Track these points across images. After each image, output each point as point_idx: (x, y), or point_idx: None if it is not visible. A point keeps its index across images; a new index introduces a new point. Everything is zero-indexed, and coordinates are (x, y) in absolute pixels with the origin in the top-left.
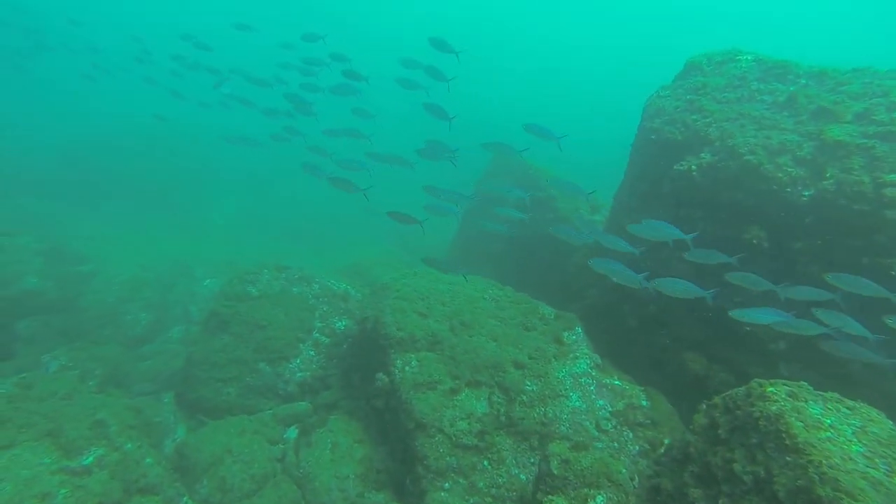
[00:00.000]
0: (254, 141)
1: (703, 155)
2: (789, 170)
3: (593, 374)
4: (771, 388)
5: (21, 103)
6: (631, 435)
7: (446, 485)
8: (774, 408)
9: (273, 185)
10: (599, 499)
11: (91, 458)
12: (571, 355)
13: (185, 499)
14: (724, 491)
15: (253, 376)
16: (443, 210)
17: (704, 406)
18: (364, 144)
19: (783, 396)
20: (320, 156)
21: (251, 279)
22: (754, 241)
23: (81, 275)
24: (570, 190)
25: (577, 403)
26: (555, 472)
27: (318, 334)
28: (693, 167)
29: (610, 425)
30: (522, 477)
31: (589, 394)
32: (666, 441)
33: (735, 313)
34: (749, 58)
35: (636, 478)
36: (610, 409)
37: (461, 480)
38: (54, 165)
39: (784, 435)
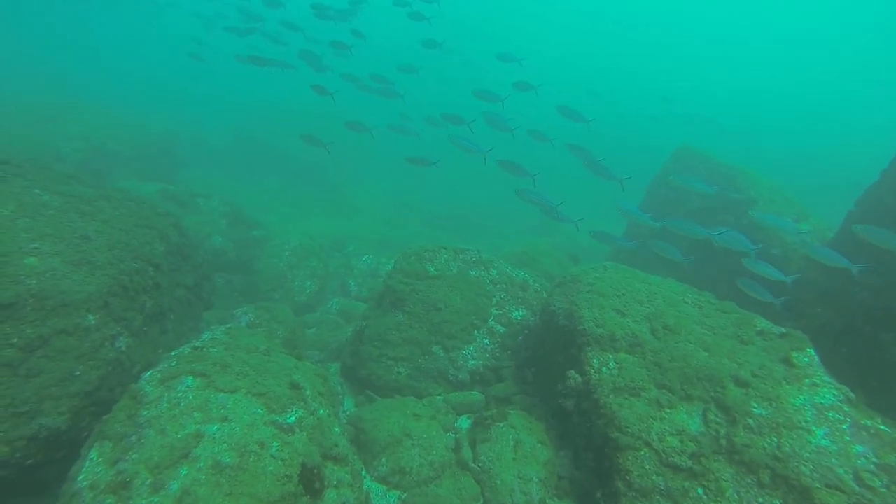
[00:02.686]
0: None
1: None
2: None
3: (845, 409)
4: None
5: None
6: None
7: None
8: None
9: (423, 173)
10: None
11: (293, 418)
12: (808, 381)
13: (363, 473)
14: None
15: (425, 358)
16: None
17: None
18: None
19: None
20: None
21: (429, 257)
22: None
23: (254, 239)
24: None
25: (824, 442)
26: None
27: (493, 322)
28: None
29: (878, 482)
30: None
31: (840, 433)
32: None
33: None
34: None
35: None
36: (875, 459)
37: None
38: (231, 143)
39: None
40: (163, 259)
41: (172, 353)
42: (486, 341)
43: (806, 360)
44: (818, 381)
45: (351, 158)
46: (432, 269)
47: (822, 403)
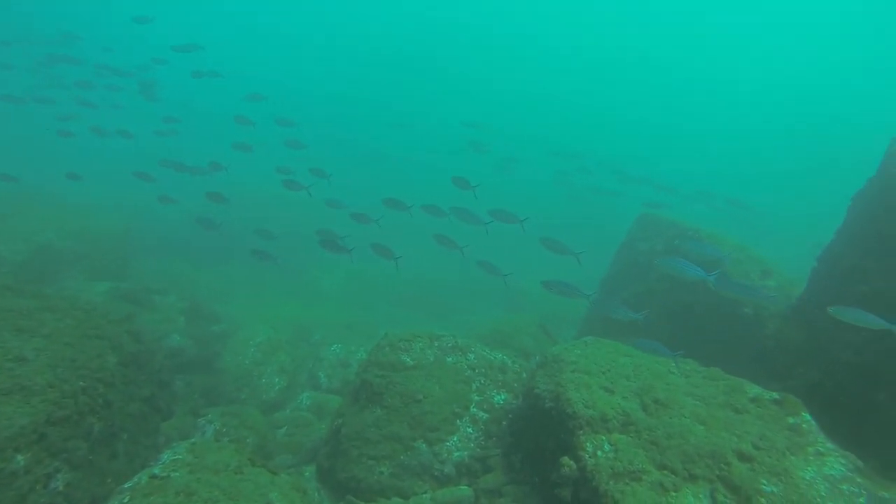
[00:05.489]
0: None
1: None
2: None
3: (858, 480)
4: None
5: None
6: None
7: None
8: None
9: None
10: None
11: None
12: (812, 450)
13: None
14: None
15: (408, 454)
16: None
17: None
18: None
19: None
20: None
21: (404, 347)
22: None
23: (215, 334)
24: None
25: None
26: None
27: (475, 409)
28: None
29: None
30: None
31: None
32: None
33: None
34: None
35: None
36: None
37: None
38: (182, 228)
39: None
40: (115, 372)
41: (125, 486)
42: (470, 430)
43: (805, 426)
44: (822, 450)
45: (311, 242)
46: (408, 360)
47: (832, 475)
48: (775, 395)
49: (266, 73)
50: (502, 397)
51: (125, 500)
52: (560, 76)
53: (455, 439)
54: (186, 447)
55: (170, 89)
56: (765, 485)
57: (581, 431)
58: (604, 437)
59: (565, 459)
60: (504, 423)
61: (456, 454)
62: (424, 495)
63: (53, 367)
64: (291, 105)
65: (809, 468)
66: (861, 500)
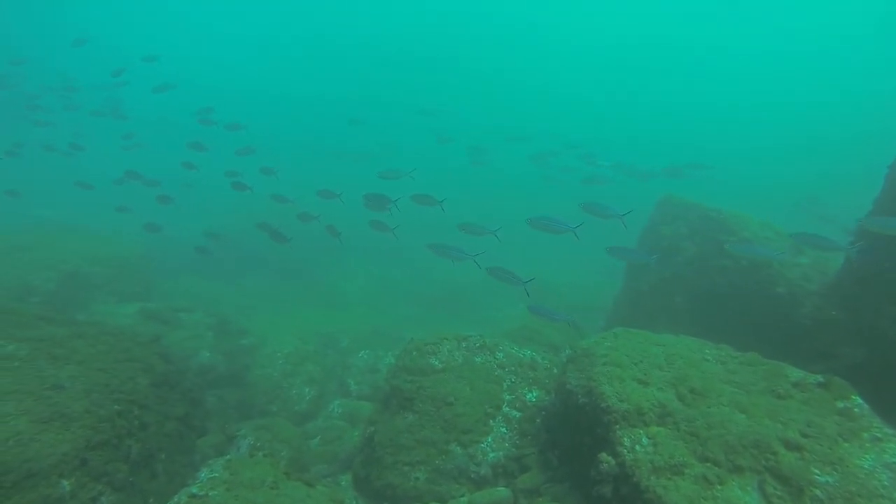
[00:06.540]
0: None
1: None
2: None
3: None
4: None
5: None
6: None
7: None
8: None
9: (405, 254)
10: None
11: None
12: (867, 436)
13: None
14: None
15: (443, 458)
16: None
17: None
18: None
19: None
20: None
21: (432, 350)
22: None
23: (243, 348)
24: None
25: None
26: None
27: (507, 408)
28: None
29: None
30: None
31: None
32: None
33: None
34: None
35: None
36: None
37: None
38: (203, 243)
39: None
40: (148, 393)
41: None
42: (504, 429)
43: (856, 410)
44: (879, 435)
45: (330, 249)
46: (437, 363)
47: (895, 463)
48: (819, 377)
49: (226, 78)
50: (534, 394)
51: None
52: (521, 61)
53: (489, 440)
54: (223, 464)
55: (137, 106)
56: (817, 475)
57: (617, 426)
58: (641, 431)
59: (603, 455)
60: (538, 420)
61: (491, 455)
62: (462, 498)
63: (89, 392)
64: (247, 110)
65: (867, 456)
66: None
